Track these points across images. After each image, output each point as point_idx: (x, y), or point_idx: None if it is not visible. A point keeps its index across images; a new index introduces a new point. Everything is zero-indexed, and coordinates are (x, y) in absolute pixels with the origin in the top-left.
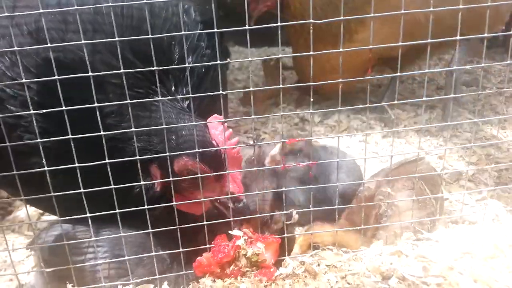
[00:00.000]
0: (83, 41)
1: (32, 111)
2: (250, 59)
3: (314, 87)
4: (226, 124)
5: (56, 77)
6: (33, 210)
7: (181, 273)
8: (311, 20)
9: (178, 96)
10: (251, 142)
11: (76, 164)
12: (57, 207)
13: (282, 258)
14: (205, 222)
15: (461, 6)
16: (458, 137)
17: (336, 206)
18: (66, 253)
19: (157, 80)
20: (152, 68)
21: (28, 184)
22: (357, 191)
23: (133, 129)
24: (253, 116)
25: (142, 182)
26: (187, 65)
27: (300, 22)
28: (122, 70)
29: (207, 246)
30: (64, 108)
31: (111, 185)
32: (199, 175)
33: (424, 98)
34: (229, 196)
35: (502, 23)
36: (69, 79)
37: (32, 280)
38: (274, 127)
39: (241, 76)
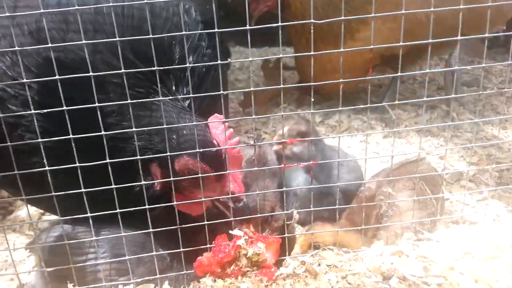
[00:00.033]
0: (84, 41)
1: (33, 111)
2: (250, 59)
3: (315, 87)
4: (226, 124)
5: (57, 77)
6: (34, 210)
7: (181, 272)
8: (312, 20)
9: (179, 96)
10: (252, 142)
11: (77, 164)
12: (57, 207)
13: (282, 258)
14: (205, 222)
15: (462, 6)
16: (459, 137)
17: (337, 206)
18: (67, 253)
19: (158, 80)
20: (153, 68)
21: (28, 183)
22: (358, 191)
23: (134, 129)
24: (253, 116)
25: (143, 182)
26: (187, 65)
27: (301, 22)
28: (123, 70)
29: (208, 246)
30: (65, 108)
31: (111, 184)
32: (200, 174)
33: (425, 98)
34: (230, 196)
35: (503, 22)
36: (70, 78)
37: (32, 280)
38: (274, 127)
39: (241, 76)
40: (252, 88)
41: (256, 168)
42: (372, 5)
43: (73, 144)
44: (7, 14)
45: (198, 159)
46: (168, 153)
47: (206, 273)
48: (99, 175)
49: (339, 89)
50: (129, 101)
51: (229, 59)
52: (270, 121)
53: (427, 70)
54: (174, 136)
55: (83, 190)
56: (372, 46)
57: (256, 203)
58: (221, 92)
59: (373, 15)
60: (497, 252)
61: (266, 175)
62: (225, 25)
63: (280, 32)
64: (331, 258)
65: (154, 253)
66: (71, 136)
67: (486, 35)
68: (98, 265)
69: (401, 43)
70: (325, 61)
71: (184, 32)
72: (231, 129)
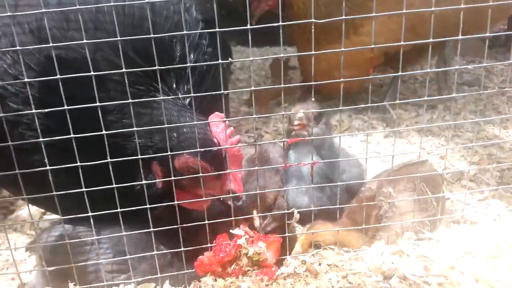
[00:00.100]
0: (85, 41)
1: (34, 111)
2: (251, 58)
3: (316, 86)
4: (227, 122)
5: (58, 76)
6: (35, 210)
7: (182, 272)
8: (313, 20)
9: (180, 96)
10: (252, 141)
11: (78, 164)
12: (58, 206)
13: (283, 257)
14: (206, 222)
15: (463, 6)
16: (460, 137)
17: (337, 206)
18: (68, 252)
19: (158, 78)
20: (154, 68)
21: (29, 182)
22: (359, 191)
23: (134, 128)
24: (254, 116)
25: (144, 182)
26: (188, 64)
27: (301, 22)
28: (124, 70)
29: (208, 245)
30: (66, 107)
31: (112, 182)
32: (200, 173)
33: (426, 98)
34: (230, 195)
35: (505, 18)
36: (70, 76)
37: (33, 279)
38: (275, 126)
39: (242, 76)
40: (253, 88)
41: (256, 168)
42: (373, 1)
43: (73, 142)
44: (8, 14)
45: (199, 157)
46: (169, 153)
47: (207, 272)
48: (100, 172)
49: (342, 88)
50: (130, 100)
51: (230, 58)
52: (271, 121)
53: (428, 70)
54: (174, 134)
55: (84, 190)
56: (373, 46)
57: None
58: (222, 92)
59: (373, 14)
60: (498, 251)
61: (268, 169)
62: (226, 24)
63: (281, 31)
64: (331, 258)
65: (155, 252)
66: (72, 135)
67: (487, 34)
68: (101, 262)
69: (402, 43)
70: (330, 57)
71: (185, 32)
72: (232, 128)
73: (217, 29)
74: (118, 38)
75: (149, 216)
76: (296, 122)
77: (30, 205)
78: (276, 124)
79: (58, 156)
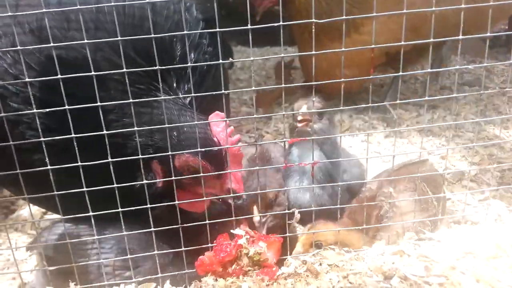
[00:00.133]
0: (86, 41)
1: (35, 111)
2: (252, 58)
3: (317, 86)
4: (227, 121)
5: (60, 77)
6: (36, 209)
7: (182, 272)
8: (314, 20)
9: (181, 96)
10: (253, 142)
11: (79, 163)
12: (59, 205)
13: (284, 257)
14: (206, 222)
15: (463, 6)
16: (461, 137)
17: (338, 206)
18: (69, 251)
19: (159, 77)
20: (155, 68)
21: (30, 182)
22: (360, 192)
23: (135, 127)
24: (255, 116)
25: (145, 182)
26: (189, 64)
27: (302, 21)
28: (124, 70)
29: (209, 245)
30: (67, 107)
31: (113, 181)
32: (201, 172)
33: (427, 98)
34: (231, 195)
35: (505, 18)
36: (71, 76)
37: (34, 279)
38: (276, 126)
39: (243, 76)
40: (253, 88)
41: (257, 168)
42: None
43: (74, 142)
44: (9, 14)
45: (199, 156)
46: (170, 153)
47: (207, 272)
48: (100, 172)
49: (343, 88)
50: (131, 100)
51: (230, 59)
52: (272, 121)
53: (429, 70)
54: (174, 133)
55: (84, 190)
56: (373, 46)
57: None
58: (223, 92)
59: (374, 14)
60: (499, 252)
61: (270, 174)
62: (226, 24)
63: (281, 31)
64: (332, 258)
65: (156, 252)
66: (73, 135)
67: (488, 34)
68: (101, 262)
69: (402, 43)
70: (331, 56)
71: (185, 32)
72: (232, 127)
73: (217, 29)
74: (119, 38)
75: (150, 216)
76: (299, 118)
77: (31, 204)
78: (277, 124)
79: (58, 155)
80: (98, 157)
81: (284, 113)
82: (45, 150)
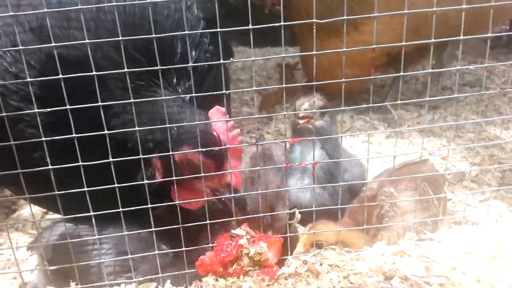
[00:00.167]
0: (87, 41)
1: (36, 110)
2: (253, 58)
3: (319, 86)
4: (228, 117)
5: (60, 76)
6: (37, 209)
7: (183, 272)
8: (315, 20)
9: (182, 96)
10: (254, 142)
11: (80, 163)
12: (59, 202)
13: (284, 257)
14: (207, 221)
15: (465, 6)
16: (461, 137)
17: (339, 206)
18: (69, 251)
19: (160, 75)
20: (156, 68)
21: (30, 180)
22: (360, 191)
23: (135, 124)
24: (255, 116)
25: (145, 181)
26: (190, 64)
27: (303, 22)
28: (126, 70)
29: (210, 245)
30: (68, 107)
31: (112, 177)
32: (200, 167)
33: (428, 98)
34: (231, 196)
35: (506, 19)
36: (72, 76)
37: (35, 279)
38: (277, 127)
39: (244, 76)
40: (254, 88)
41: (258, 168)
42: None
43: (75, 140)
44: (11, 13)
45: (200, 153)
46: (168, 155)
47: (208, 272)
48: (101, 169)
49: (344, 87)
50: (132, 100)
51: (231, 59)
52: (273, 121)
53: (430, 70)
54: (174, 127)
55: (85, 190)
56: (374, 46)
57: (257, 204)
58: (224, 92)
59: (375, 14)
60: (499, 252)
61: (271, 173)
62: (227, 24)
63: (282, 31)
64: (333, 258)
65: (156, 252)
66: (74, 135)
67: (489, 35)
68: (102, 262)
69: (403, 43)
70: (332, 54)
71: (186, 32)
72: (232, 121)
73: (218, 29)
74: (120, 38)
75: (151, 215)
76: (301, 115)
77: (31, 204)
78: (277, 124)
79: (58, 152)
80: (98, 154)
81: (285, 113)
82: (45, 147)
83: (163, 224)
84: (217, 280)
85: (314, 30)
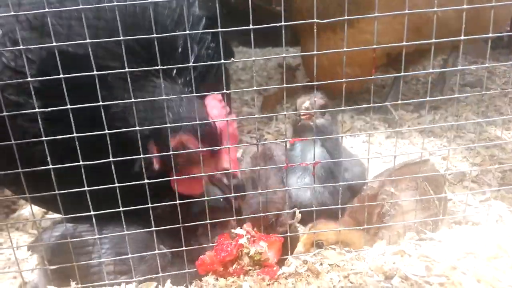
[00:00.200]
0: (89, 40)
1: (37, 110)
2: (253, 58)
3: (319, 86)
4: (223, 102)
5: (62, 76)
6: (37, 209)
7: (183, 271)
8: (315, 20)
9: (182, 95)
10: (255, 142)
11: (81, 163)
12: (59, 194)
13: (284, 257)
14: (207, 221)
15: (465, 6)
16: (462, 137)
17: (339, 206)
18: (66, 252)
19: (160, 74)
20: (157, 67)
21: (30, 174)
22: (361, 190)
23: (137, 125)
24: (256, 116)
25: (146, 184)
26: (190, 64)
27: (303, 21)
28: (127, 69)
29: (210, 244)
30: (68, 106)
31: (111, 171)
32: (196, 152)
33: (428, 98)
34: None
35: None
36: (69, 64)
37: (35, 278)
38: (277, 127)
39: (244, 77)
40: (255, 88)
41: (259, 168)
42: None
43: (76, 142)
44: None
45: (195, 137)
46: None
47: (208, 271)
48: (99, 153)
49: (344, 87)
50: (132, 100)
51: (232, 59)
52: (273, 121)
53: (430, 70)
54: (170, 114)
55: (86, 189)
56: (375, 46)
57: (260, 206)
58: (224, 91)
59: (376, 14)
60: (500, 252)
61: (272, 173)
62: (227, 24)
63: (283, 31)
64: (333, 257)
65: (156, 251)
66: (74, 134)
67: (490, 35)
68: (99, 264)
69: (404, 43)
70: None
71: (187, 32)
72: (228, 107)
73: (219, 29)
74: (121, 37)
75: (151, 214)
76: (302, 112)
77: (31, 203)
78: (278, 124)
79: (58, 148)
80: (96, 143)
81: (285, 113)
82: (45, 144)
83: (163, 224)
84: (217, 279)
85: (315, 31)
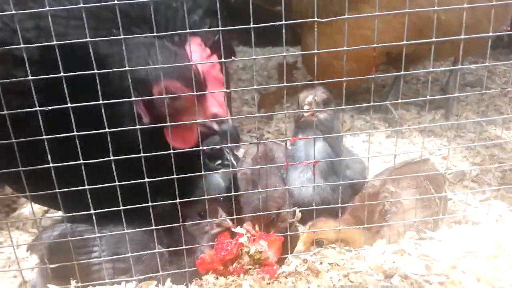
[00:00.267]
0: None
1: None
2: (254, 57)
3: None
4: (205, 45)
5: (61, 74)
6: (37, 208)
7: (183, 270)
8: (316, 19)
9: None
10: (255, 142)
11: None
12: (56, 181)
13: (285, 256)
14: (207, 220)
15: (466, 5)
16: (462, 137)
17: (339, 205)
18: (67, 251)
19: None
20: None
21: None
22: (362, 187)
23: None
24: (256, 115)
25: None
26: (191, 63)
27: (304, 20)
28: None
29: (210, 244)
30: (68, 103)
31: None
32: (181, 98)
33: (428, 97)
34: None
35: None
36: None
37: (35, 277)
38: (277, 126)
39: (245, 76)
40: (255, 87)
41: (260, 167)
42: None
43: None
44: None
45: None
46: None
47: (208, 270)
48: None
49: (344, 86)
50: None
51: (233, 58)
52: (273, 121)
53: (431, 69)
54: (151, 63)
55: (86, 187)
56: (375, 45)
57: (262, 203)
58: (225, 90)
59: (376, 13)
60: (499, 251)
61: (273, 173)
62: (227, 23)
63: (284, 31)
64: (333, 256)
65: (155, 250)
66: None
67: (490, 34)
68: (97, 263)
69: (404, 42)
70: (329, 46)
71: (188, 31)
72: (209, 50)
73: (220, 28)
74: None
75: (151, 214)
76: (305, 108)
77: (32, 203)
78: (278, 124)
79: (54, 124)
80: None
81: (286, 112)
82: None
83: (163, 223)
84: (217, 278)
85: (316, 30)
